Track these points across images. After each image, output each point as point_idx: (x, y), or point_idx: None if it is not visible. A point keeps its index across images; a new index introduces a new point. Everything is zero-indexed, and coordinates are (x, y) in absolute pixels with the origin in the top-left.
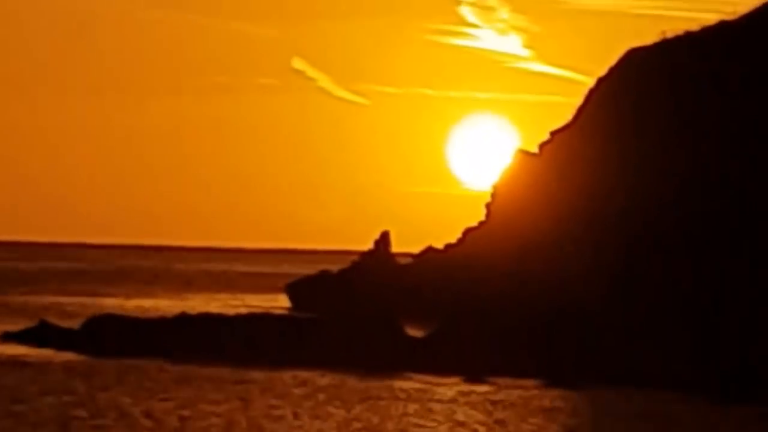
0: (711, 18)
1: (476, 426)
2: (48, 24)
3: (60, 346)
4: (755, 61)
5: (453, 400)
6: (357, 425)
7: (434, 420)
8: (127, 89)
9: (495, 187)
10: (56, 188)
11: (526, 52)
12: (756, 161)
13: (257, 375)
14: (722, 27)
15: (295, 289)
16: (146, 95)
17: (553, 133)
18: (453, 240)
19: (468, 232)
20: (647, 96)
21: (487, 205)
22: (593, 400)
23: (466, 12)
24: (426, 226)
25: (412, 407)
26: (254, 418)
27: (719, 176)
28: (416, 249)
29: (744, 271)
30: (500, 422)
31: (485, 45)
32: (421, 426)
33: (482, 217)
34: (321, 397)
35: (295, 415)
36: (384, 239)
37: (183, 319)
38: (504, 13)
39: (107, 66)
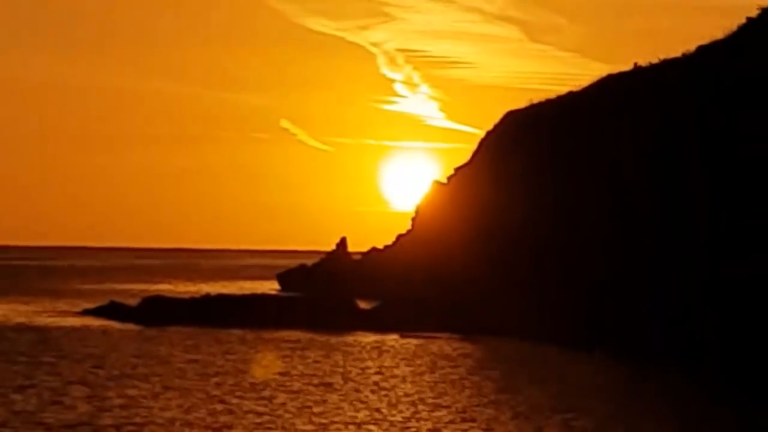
0: (563, 89)
1: (405, 364)
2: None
3: (123, 319)
4: (592, 118)
5: (390, 349)
6: (325, 364)
7: (375, 359)
8: (156, 140)
9: (417, 206)
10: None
11: (439, 114)
12: (596, 190)
13: (261, 334)
14: (571, 95)
15: (283, 277)
16: (173, 146)
17: (457, 170)
18: (389, 243)
19: (399, 237)
20: (519, 143)
21: (412, 219)
22: (486, 348)
23: (398, 87)
24: (370, 234)
25: (361, 354)
26: (264, 360)
27: (572, 202)
28: (364, 249)
29: (588, 253)
30: (421, 364)
31: (411, 109)
32: (367, 364)
33: (408, 227)
34: (301, 347)
35: (284, 358)
36: (342, 243)
37: (208, 298)
38: (425, 87)
39: (132, 127)
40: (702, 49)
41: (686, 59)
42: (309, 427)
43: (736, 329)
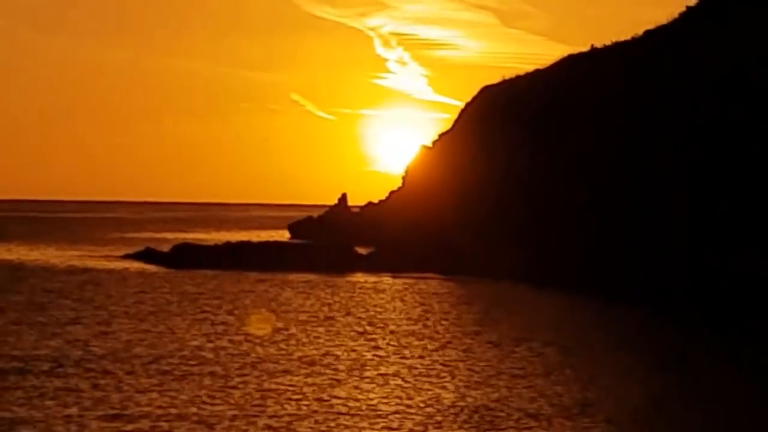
0: (531, 67)
1: (397, 300)
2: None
3: (157, 263)
4: (555, 92)
5: (384, 288)
6: (329, 300)
7: (371, 296)
8: (187, 112)
9: (407, 167)
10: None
11: (427, 89)
12: (560, 150)
13: (275, 276)
14: (537, 72)
15: (293, 227)
16: (201, 117)
17: (440, 135)
18: (383, 198)
19: (392, 193)
20: (494, 113)
21: (403, 178)
22: (466, 287)
23: (391, 65)
24: (367, 190)
25: (359, 290)
26: (277, 297)
27: (538, 159)
28: (362, 203)
29: (552, 207)
30: (410, 300)
31: (402, 85)
32: (363, 299)
33: (400, 185)
34: (309, 286)
35: (297, 295)
36: (343, 198)
37: (230, 245)
38: (414, 65)
39: (167, 101)
40: (648, 33)
41: (635, 41)
42: (314, 351)
43: (709, 278)
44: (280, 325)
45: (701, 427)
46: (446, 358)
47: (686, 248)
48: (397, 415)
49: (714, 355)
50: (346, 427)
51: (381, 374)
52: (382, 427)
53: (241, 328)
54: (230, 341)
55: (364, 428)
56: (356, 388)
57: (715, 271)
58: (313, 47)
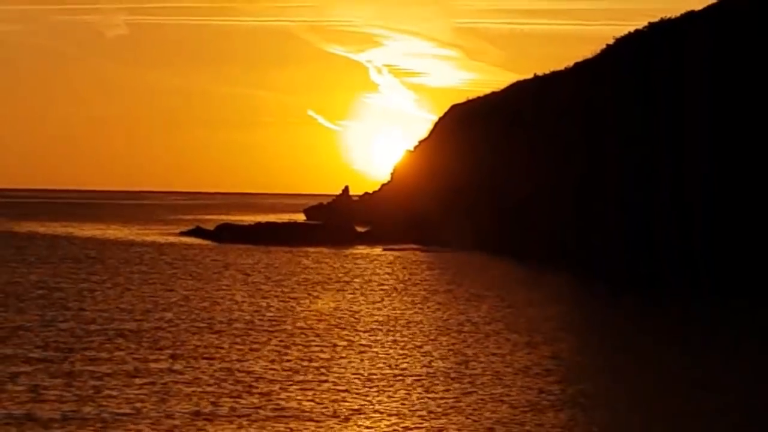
0: (489, 90)
1: (386, 266)
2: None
3: (204, 238)
4: (508, 107)
5: (377, 257)
6: (337, 266)
7: (368, 263)
8: (229, 125)
9: (395, 165)
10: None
11: (410, 106)
12: (516, 150)
13: (294, 249)
14: (494, 94)
15: (308, 211)
16: (239, 129)
17: (420, 142)
18: (376, 189)
19: (383, 186)
20: (459, 125)
21: (391, 173)
22: (441, 256)
23: (382, 88)
24: (365, 183)
25: (358, 260)
26: (299, 264)
27: (497, 157)
28: (360, 193)
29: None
30: (403, 268)
31: (390, 103)
32: (362, 266)
33: (389, 179)
34: (321, 257)
35: (314, 262)
36: (346, 189)
37: (260, 225)
38: (400, 89)
39: (212, 115)
40: (577, 64)
41: (566, 70)
42: (322, 305)
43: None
44: (301, 285)
45: (611, 348)
46: (425, 310)
47: (604, 227)
48: (389, 333)
49: (623, 311)
50: (351, 341)
51: (375, 320)
52: (373, 340)
53: (271, 287)
54: (261, 296)
55: (359, 338)
56: (357, 330)
57: (624, 239)
58: (324, 75)
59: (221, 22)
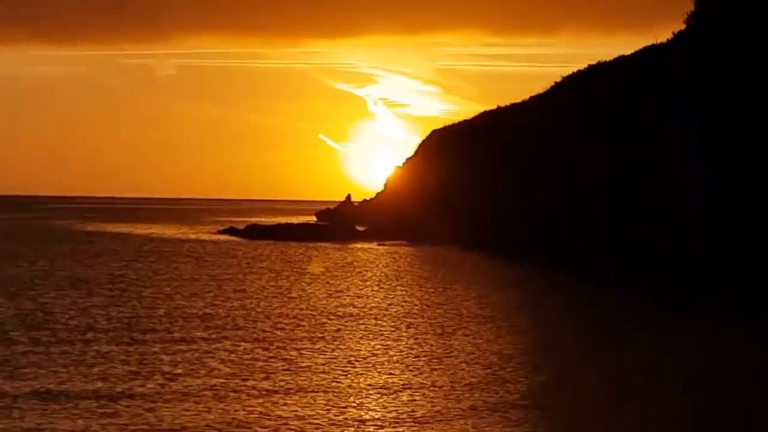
0: (461, 118)
1: (380, 256)
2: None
3: (237, 236)
4: (476, 132)
5: (372, 250)
6: (339, 257)
7: (365, 255)
8: (254, 147)
9: (387, 177)
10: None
11: (400, 132)
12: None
13: (308, 243)
14: (466, 121)
15: (319, 214)
16: (262, 150)
17: (407, 159)
18: (373, 197)
19: (378, 194)
20: (438, 146)
21: (384, 184)
22: (424, 250)
23: (378, 117)
24: (363, 192)
25: (357, 253)
26: (311, 257)
27: (471, 172)
28: (359, 200)
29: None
30: (394, 261)
31: (384, 129)
32: (360, 257)
33: (382, 189)
34: (328, 251)
35: (323, 253)
36: (348, 197)
37: (280, 225)
38: (392, 118)
39: (241, 139)
40: (531, 97)
41: (522, 103)
42: (331, 284)
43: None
44: (315, 272)
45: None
46: (411, 293)
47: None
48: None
49: (570, 291)
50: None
51: (374, 298)
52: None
53: (291, 274)
54: (285, 279)
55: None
56: (359, 296)
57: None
58: (331, 106)
59: (250, 65)
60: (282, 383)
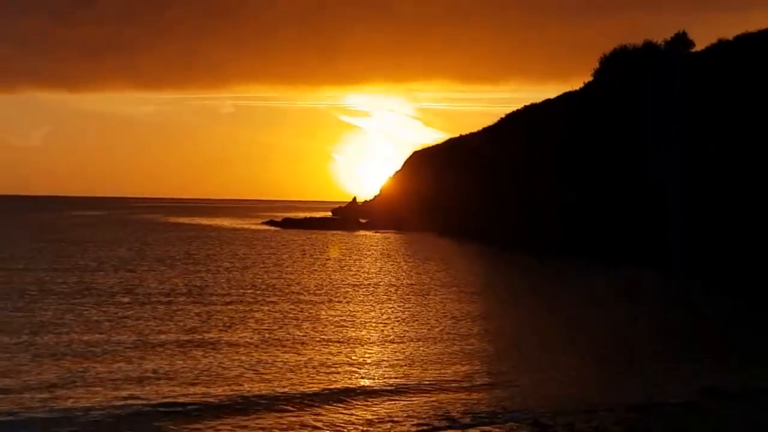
0: (434, 143)
1: (377, 242)
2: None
3: (275, 226)
4: (446, 155)
5: (371, 236)
6: (346, 240)
7: (366, 240)
8: (277, 161)
9: (382, 186)
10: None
11: (391, 152)
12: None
13: (326, 233)
14: (438, 145)
15: (334, 210)
16: (282, 164)
17: (395, 172)
18: (372, 198)
19: (375, 197)
20: (419, 163)
21: (380, 188)
22: (411, 236)
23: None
24: (364, 196)
25: (359, 238)
26: (328, 242)
27: (438, 185)
28: (363, 200)
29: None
30: (387, 243)
31: (379, 149)
32: (362, 241)
33: (378, 192)
34: (339, 238)
35: (336, 238)
36: (354, 199)
37: (306, 218)
38: (386, 142)
39: (271, 157)
40: (485, 128)
41: (482, 130)
42: (342, 261)
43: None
44: (330, 256)
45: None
46: (398, 267)
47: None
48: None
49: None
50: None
51: (371, 271)
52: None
53: (312, 255)
54: (309, 261)
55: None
56: (360, 269)
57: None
58: (340, 133)
59: (285, 104)
60: (307, 334)
